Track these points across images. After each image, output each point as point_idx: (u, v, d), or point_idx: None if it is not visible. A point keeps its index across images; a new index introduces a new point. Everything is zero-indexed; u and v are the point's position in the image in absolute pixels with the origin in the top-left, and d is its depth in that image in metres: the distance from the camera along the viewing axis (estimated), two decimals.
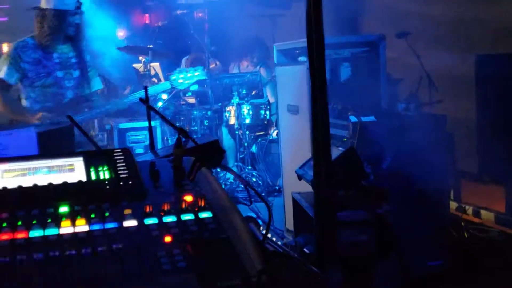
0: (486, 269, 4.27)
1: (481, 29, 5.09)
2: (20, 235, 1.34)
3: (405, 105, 4.45)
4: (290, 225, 4.79)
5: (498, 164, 4.88)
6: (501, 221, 4.88)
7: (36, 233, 1.35)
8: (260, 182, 6.07)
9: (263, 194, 5.83)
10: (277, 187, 5.64)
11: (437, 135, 4.39)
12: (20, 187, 1.50)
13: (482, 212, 5.09)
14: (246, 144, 6.32)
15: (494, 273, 4.22)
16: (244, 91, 6.46)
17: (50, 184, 1.51)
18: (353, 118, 4.29)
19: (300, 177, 4.16)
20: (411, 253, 4.03)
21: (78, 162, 1.62)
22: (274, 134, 6.27)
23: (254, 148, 6.33)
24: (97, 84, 5.26)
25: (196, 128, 6.38)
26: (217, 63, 7.85)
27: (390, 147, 4.24)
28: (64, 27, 4.85)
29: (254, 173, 6.27)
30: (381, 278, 2.76)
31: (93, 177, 1.57)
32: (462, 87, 5.24)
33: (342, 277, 1.69)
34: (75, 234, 1.35)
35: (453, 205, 5.24)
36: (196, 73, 5.21)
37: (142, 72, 6.56)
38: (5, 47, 9.24)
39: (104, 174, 1.58)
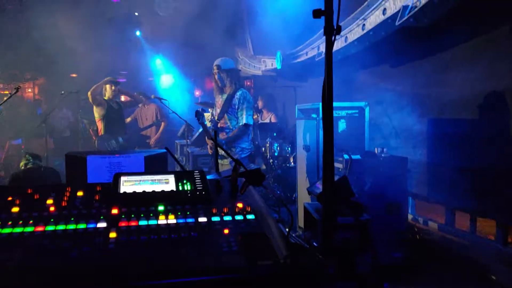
0: (432, 260, 4.21)
1: (431, 101, 5.04)
2: (133, 223, 1.36)
3: (380, 149, 4.40)
4: (301, 223, 4.75)
5: (441, 191, 4.80)
6: (442, 229, 4.78)
7: (143, 222, 1.37)
8: (282, 194, 6.03)
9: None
10: (293, 198, 5.59)
11: (400, 170, 4.33)
12: (134, 192, 1.53)
13: (430, 222, 4.98)
14: (274, 169, 6.30)
15: (437, 263, 4.15)
16: (275, 134, 6.47)
17: (153, 191, 1.54)
18: (346, 156, 4.27)
19: (309, 193, 4.14)
20: (381, 247, 3.98)
21: (171, 178, 1.64)
22: (292, 163, 6.25)
23: (279, 171, 6.30)
24: None
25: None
26: (257, 115, 7.91)
27: (370, 176, 4.21)
28: None
29: (279, 188, 6.22)
30: (361, 264, 2.72)
31: (180, 188, 1.59)
32: (418, 139, 5.18)
33: (336, 265, 1.67)
34: (167, 225, 1.37)
35: (410, 216, 5.15)
36: None
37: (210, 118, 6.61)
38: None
39: (187, 186, 1.59)
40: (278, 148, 6.32)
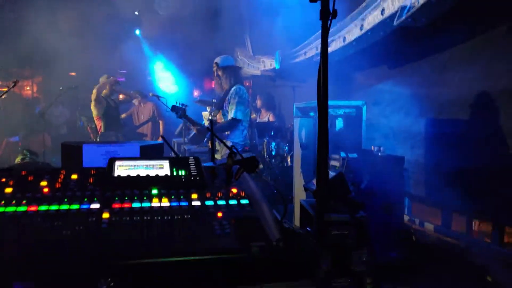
0: (429, 261, 4.20)
1: (429, 101, 5.05)
2: (126, 205, 1.36)
3: (377, 148, 4.40)
4: (297, 221, 4.74)
5: (437, 193, 4.81)
6: (438, 230, 4.78)
7: (136, 204, 1.37)
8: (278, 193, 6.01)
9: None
10: (290, 197, 5.59)
11: (397, 170, 4.33)
12: (128, 176, 1.53)
13: (426, 224, 4.98)
14: (271, 168, 6.29)
15: (434, 263, 4.14)
16: (272, 133, 6.47)
17: (148, 175, 1.54)
18: (343, 154, 4.27)
19: (305, 190, 4.13)
20: (378, 246, 3.98)
21: (166, 163, 1.64)
22: (290, 163, 6.25)
23: (276, 171, 6.28)
24: None
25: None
26: (256, 114, 7.91)
27: (366, 175, 4.20)
28: None
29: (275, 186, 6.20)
30: (357, 262, 2.71)
31: (175, 173, 1.59)
32: (416, 139, 5.18)
33: (330, 262, 1.67)
34: (161, 207, 1.37)
35: (406, 218, 5.14)
36: None
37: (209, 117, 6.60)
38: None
39: (182, 172, 1.59)
40: (276, 147, 6.31)
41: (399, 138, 5.37)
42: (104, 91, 6.87)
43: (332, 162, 4.45)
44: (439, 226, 4.80)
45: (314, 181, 2.91)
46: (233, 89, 4.82)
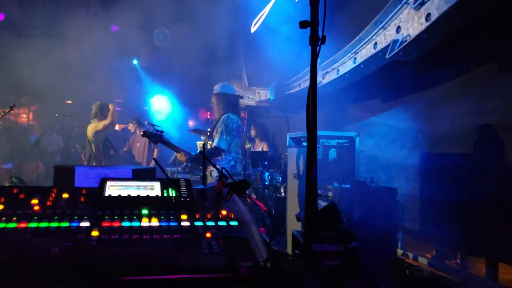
0: None
1: (422, 136, 5.11)
2: (116, 224, 1.38)
3: (370, 179, 4.43)
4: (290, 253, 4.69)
5: (431, 226, 4.80)
6: (431, 265, 4.75)
7: (126, 224, 1.39)
8: (272, 224, 5.98)
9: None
10: (283, 229, 5.56)
11: (390, 202, 4.34)
12: (119, 196, 1.55)
13: (419, 258, 4.95)
14: (264, 199, 6.28)
15: None
16: (266, 163, 6.49)
17: (138, 195, 1.56)
18: (336, 184, 4.29)
19: (298, 219, 4.13)
20: (369, 277, 3.94)
21: (157, 184, 1.66)
22: (283, 193, 6.25)
23: (269, 203, 6.27)
24: None
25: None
26: (250, 144, 7.95)
27: (359, 206, 4.21)
28: None
29: (268, 219, 6.17)
30: None
31: (165, 194, 1.60)
32: (409, 173, 5.21)
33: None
34: (150, 227, 1.39)
35: (400, 251, 5.12)
36: None
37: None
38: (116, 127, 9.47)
39: (172, 193, 1.61)
40: (269, 177, 6.32)
41: (394, 170, 5.40)
42: (106, 122, 6.94)
43: (325, 192, 4.46)
44: (433, 260, 4.77)
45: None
46: (222, 117, 4.80)
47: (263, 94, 9.27)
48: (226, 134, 4.67)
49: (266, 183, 6.33)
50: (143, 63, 10.61)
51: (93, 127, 6.90)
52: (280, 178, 6.33)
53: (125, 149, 8.11)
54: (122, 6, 8.93)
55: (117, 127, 9.44)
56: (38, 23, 8.72)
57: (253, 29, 9.12)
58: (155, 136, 4.63)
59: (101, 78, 9.12)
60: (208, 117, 11.46)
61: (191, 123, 11.49)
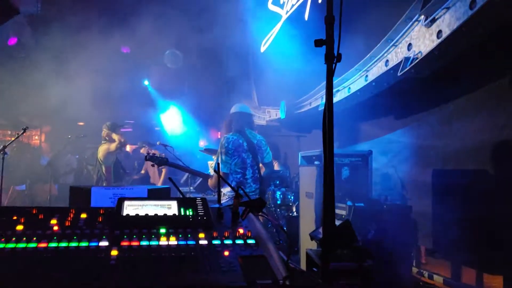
0: None
1: (435, 153, 5.09)
2: (135, 243, 1.39)
3: (384, 197, 4.41)
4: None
5: (447, 244, 4.74)
6: (448, 284, 4.67)
7: (144, 242, 1.40)
8: (284, 244, 5.95)
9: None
10: (296, 248, 5.52)
11: (405, 220, 4.32)
12: (137, 215, 1.57)
13: (435, 276, 4.88)
14: (276, 218, 6.25)
15: None
16: (277, 182, 6.49)
17: (156, 214, 1.57)
18: (349, 203, 4.27)
19: (312, 238, 4.11)
20: None
21: (174, 203, 1.67)
22: (295, 212, 6.23)
23: (281, 222, 6.25)
24: None
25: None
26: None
27: (373, 224, 4.19)
28: None
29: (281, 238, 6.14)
30: None
31: (182, 213, 1.62)
32: (423, 190, 5.17)
33: None
34: (168, 245, 1.40)
35: (414, 270, 5.05)
36: None
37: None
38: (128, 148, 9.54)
39: (189, 211, 1.63)
40: (281, 197, 6.31)
41: (407, 188, 5.36)
42: (115, 143, 7.01)
43: (339, 211, 4.45)
44: (449, 279, 4.70)
45: (321, 230, 2.92)
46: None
47: (273, 113, 9.31)
48: (222, 155, 4.73)
49: (278, 202, 6.32)
50: (154, 84, 10.75)
51: (104, 148, 6.96)
52: (292, 197, 6.31)
53: (142, 171, 8.18)
54: (133, 28, 9.10)
55: (128, 149, 9.52)
56: (49, 45, 8.91)
57: (262, 49, 9.24)
58: (157, 159, 4.79)
59: (112, 99, 9.25)
60: (219, 137, 11.55)
61: (202, 143, 11.56)
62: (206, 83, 9.86)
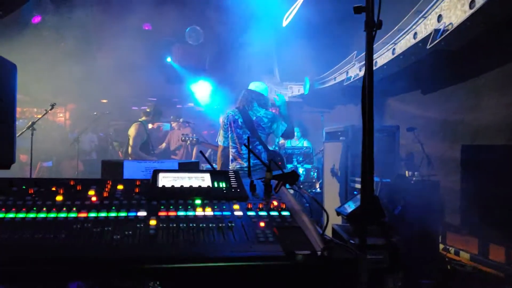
0: None
1: (464, 127, 5.00)
2: (172, 213, 1.41)
3: (411, 172, 4.36)
4: None
5: (473, 220, 4.68)
6: (474, 260, 4.64)
7: (181, 213, 1.42)
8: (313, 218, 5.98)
9: None
10: (319, 224, 5.53)
11: (432, 196, 4.27)
12: (172, 186, 1.59)
13: (461, 252, 4.85)
14: (299, 195, 6.26)
15: None
16: (301, 158, 6.48)
17: (191, 186, 1.59)
18: (376, 179, 4.24)
19: (338, 214, 4.10)
20: (410, 273, 3.88)
21: (207, 176, 1.69)
22: (318, 189, 6.22)
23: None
24: None
25: None
26: (283, 140, 7.96)
27: (400, 200, 4.16)
28: None
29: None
30: (392, 287, 2.67)
31: (216, 185, 1.63)
32: (450, 166, 5.10)
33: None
34: (205, 216, 1.41)
35: (440, 246, 5.02)
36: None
37: None
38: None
39: (222, 184, 1.64)
40: (304, 173, 6.31)
41: (434, 164, 5.29)
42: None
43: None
44: (476, 255, 4.66)
45: (347, 205, 2.92)
46: None
47: (296, 89, 9.23)
48: (221, 130, 4.93)
49: (301, 179, 6.32)
50: (176, 61, 10.75)
51: (138, 126, 6.92)
52: (316, 174, 6.30)
53: (163, 145, 8.24)
54: (154, 4, 9.07)
55: (150, 126, 9.57)
56: (73, 24, 8.96)
57: (284, 23, 9.10)
58: (190, 139, 5.77)
59: (135, 77, 9.29)
60: None
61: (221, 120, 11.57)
62: (226, 60, 9.81)
